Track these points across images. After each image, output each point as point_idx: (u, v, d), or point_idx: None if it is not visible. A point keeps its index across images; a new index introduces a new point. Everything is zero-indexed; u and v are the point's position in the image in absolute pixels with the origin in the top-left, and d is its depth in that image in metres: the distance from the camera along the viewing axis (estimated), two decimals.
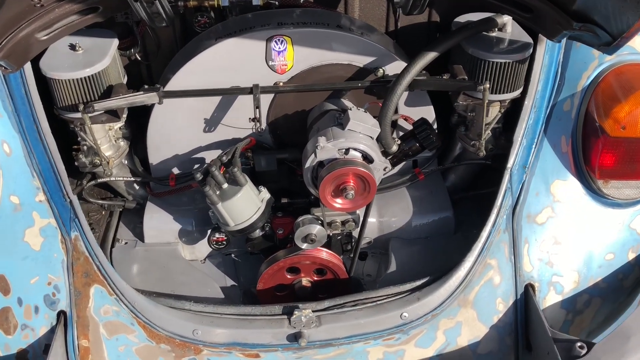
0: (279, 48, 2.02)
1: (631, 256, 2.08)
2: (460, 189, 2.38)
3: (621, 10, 1.51)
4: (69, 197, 1.94)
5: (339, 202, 1.90)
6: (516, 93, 2.04)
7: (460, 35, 1.95)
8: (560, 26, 1.75)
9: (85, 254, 1.94)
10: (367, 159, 1.91)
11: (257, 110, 1.97)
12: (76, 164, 2.13)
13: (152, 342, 1.93)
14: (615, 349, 1.83)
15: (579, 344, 1.81)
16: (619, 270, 2.07)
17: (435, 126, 2.22)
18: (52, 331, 1.93)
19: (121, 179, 2.25)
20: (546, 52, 2.03)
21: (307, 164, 1.90)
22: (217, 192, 1.95)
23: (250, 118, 1.98)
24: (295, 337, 1.88)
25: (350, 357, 1.92)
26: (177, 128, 2.18)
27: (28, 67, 1.91)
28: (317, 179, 1.90)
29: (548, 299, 2.02)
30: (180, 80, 2.06)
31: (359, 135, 1.89)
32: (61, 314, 1.94)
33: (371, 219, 2.22)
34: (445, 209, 2.26)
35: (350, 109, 1.93)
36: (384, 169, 1.94)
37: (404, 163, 2.26)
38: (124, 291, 1.92)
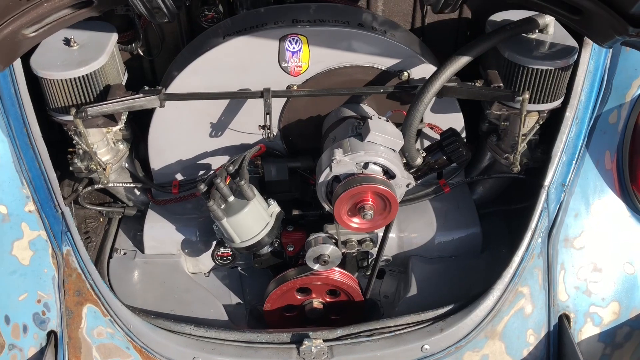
0: (294, 48, 1.82)
1: None
2: (488, 202, 2.17)
3: None
4: (60, 208, 1.77)
5: (355, 222, 1.71)
6: (557, 103, 1.83)
7: (497, 37, 1.73)
8: (614, 31, 1.52)
9: (77, 271, 1.78)
10: (389, 174, 1.71)
11: (268, 116, 1.78)
12: (71, 168, 1.96)
13: None
14: None
15: None
16: None
17: (463, 135, 2.01)
18: (41, 352, 1.79)
19: (120, 185, 2.08)
20: (591, 57, 1.82)
21: (322, 179, 1.70)
22: (222, 206, 1.77)
23: (260, 125, 1.79)
24: None
25: None
26: (181, 131, 1.99)
27: (18, 65, 1.74)
28: (332, 194, 1.72)
29: (584, 331, 1.84)
30: (184, 80, 1.87)
31: (379, 147, 1.69)
32: (51, 334, 1.79)
33: (390, 234, 2.04)
34: (473, 225, 2.06)
35: (371, 118, 1.73)
36: (407, 185, 1.74)
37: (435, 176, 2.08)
38: (119, 312, 1.76)
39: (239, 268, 2.15)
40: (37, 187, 1.78)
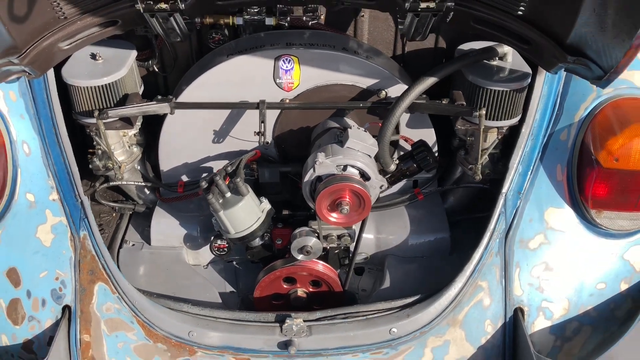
0: (287, 67, 2.12)
1: (624, 287, 2.11)
2: (458, 211, 2.43)
3: (610, 46, 1.57)
4: (80, 198, 2.05)
5: (334, 217, 1.97)
6: (514, 121, 2.10)
7: (460, 63, 2.02)
8: (556, 59, 1.81)
9: (92, 253, 2.04)
10: (364, 176, 1.98)
11: (263, 124, 2.07)
12: (90, 166, 2.24)
13: (150, 340, 2.01)
14: None
15: None
16: (611, 300, 2.09)
17: (436, 149, 2.28)
18: (56, 324, 2.04)
19: (132, 183, 2.36)
20: (545, 82, 2.09)
21: (306, 178, 1.98)
22: (220, 201, 2.04)
23: (255, 132, 2.07)
24: (285, 345, 1.95)
25: None
26: (188, 138, 2.28)
27: (51, 73, 2.04)
28: (315, 192, 1.98)
29: (537, 323, 2.06)
30: (192, 92, 2.17)
31: (357, 153, 1.97)
32: (66, 309, 2.04)
33: (369, 235, 2.30)
34: (442, 230, 2.32)
35: (351, 128, 2.01)
36: (381, 187, 2.01)
37: (404, 182, 2.34)
38: (126, 290, 2.01)
39: (234, 262, 2.40)
40: (61, 179, 2.06)
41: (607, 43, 1.58)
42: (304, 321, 1.97)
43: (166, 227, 2.35)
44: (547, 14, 1.75)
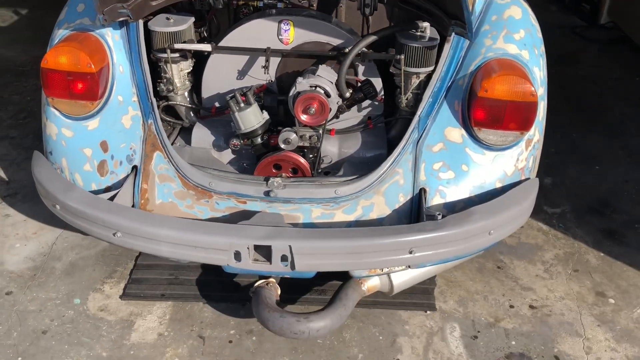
0: (285, 28, 3.35)
1: (498, 185, 3.16)
2: (398, 137, 3.54)
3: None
4: (150, 99, 3.27)
5: (304, 118, 3.14)
6: (428, 69, 3.24)
7: (392, 29, 3.21)
8: (446, 24, 2.98)
9: (154, 133, 3.23)
10: (327, 94, 3.15)
11: (268, 63, 3.28)
12: (157, 89, 3.47)
13: (184, 188, 3.17)
14: (461, 218, 2.90)
15: (439, 215, 2.92)
16: (489, 193, 3.15)
17: (382, 92, 3.44)
18: (126, 177, 3.21)
19: (182, 105, 3.58)
20: (452, 47, 3.22)
21: (291, 93, 3.16)
22: (236, 107, 3.23)
23: (262, 66, 3.29)
24: (268, 193, 3.08)
25: (300, 212, 3.09)
26: (220, 75, 3.49)
27: (140, 22, 3.32)
28: (295, 101, 3.16)
29: (434, 200, 3.10)
30: (226, 41, 3.41)
31: (323, 79, 3.15)
32: (134, 168, 3.21)
33: (334, 149, 3.43)
34: (382, 147, 3.43)
35: (322, 65, 3.21)
36: (337, 103, 3.17)
37: (364, 116, 3.49)
38: (173, 156, 3.19)
39: (244, 164, 3.56)
40: (139, 88, 3.29)
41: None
42: (281, 180, 3.11)
43: (202, 135, 3.54)
44: None
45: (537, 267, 3.67)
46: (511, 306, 3.39)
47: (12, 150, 4.74)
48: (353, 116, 3.50)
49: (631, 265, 3.70)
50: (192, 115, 3.67)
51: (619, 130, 5.20)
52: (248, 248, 2.76)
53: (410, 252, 2.78)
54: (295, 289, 3.35)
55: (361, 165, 3.35)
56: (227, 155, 3.52)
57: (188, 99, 3.62)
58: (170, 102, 3.55)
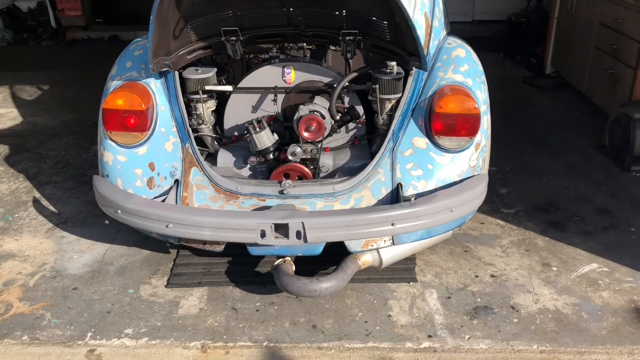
0: (288, 71, 4.41)
1: (457, 179, 4.13)
2: (379, 150, 4.54)
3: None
4: (187, 129, 4.25)
5: (306, 134, 4.14)
6: (397, 95, 4.29)
7: (368, 67, 4.29)
8: (407, 60, 4.07)
9: (191, 154, 4.19)
10: (323, 117, 4.17)
11: (276, 99, 4.31)
12: (189, 123, 4.46)
13: (216, 193, 4.11)
14: (429, 198, 3.86)
15: (413, 197, 3.89)
16: (449, 185, 4.11)
17: (364, 115, 4.48)
18: (170, 189, 4.15)
19: (209, 135, 4.57)
20: (414, 79, 4.29)
21: (295, 117, 4.19)
22: (254, 131, 4.23)
23: (271, 99, 4.32)
24: (282, 192, 4.03)
25: (307, 204, 4.03)
26: (239, 110, 4.51)
27: (176, 72, 4.35)
28: (298, 122, 4.17)
29: (409, 191, 4.07)
30: (242, 83, 4.45)
31: (319, 105, 4.19)
32: (176, 181, 4.16)
33: (329, 162, 4.41)
34: (367, 158, 4.42)
35: (317, 97, 4.26)
36: (330, 123, 4.20)
37: (351, 136, 4.51)
38: (207, 169, 4.14)
39: (259, 177, 4.52)
40: (177, 121, 4.27)
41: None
42: (292, 182, 4.06)
43: (225, 157, 4.50)
44: (400, 39, 4.04)
45: (497, 250, 4.60)
46: (476, 276, 4.29)
47: (57, 191, 5.65)
48: (342, 136, 4.52)
49: (570, 244, 4.64)
50: (216, 143, 4.65)
51: (561, 151, 6.27)
52: (271, 227, 3.67)
53: (392, 224, 3.72)
54: (306, 267, 4.22)
55: (351, 173, 4.33)
56: (245, 172, 4.49)
57: (212, 131, 4.62)
58: (199, 134, 4.54)
